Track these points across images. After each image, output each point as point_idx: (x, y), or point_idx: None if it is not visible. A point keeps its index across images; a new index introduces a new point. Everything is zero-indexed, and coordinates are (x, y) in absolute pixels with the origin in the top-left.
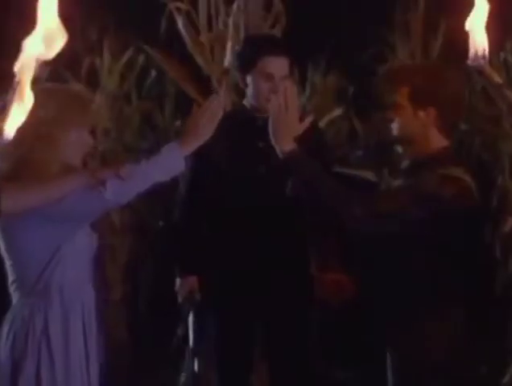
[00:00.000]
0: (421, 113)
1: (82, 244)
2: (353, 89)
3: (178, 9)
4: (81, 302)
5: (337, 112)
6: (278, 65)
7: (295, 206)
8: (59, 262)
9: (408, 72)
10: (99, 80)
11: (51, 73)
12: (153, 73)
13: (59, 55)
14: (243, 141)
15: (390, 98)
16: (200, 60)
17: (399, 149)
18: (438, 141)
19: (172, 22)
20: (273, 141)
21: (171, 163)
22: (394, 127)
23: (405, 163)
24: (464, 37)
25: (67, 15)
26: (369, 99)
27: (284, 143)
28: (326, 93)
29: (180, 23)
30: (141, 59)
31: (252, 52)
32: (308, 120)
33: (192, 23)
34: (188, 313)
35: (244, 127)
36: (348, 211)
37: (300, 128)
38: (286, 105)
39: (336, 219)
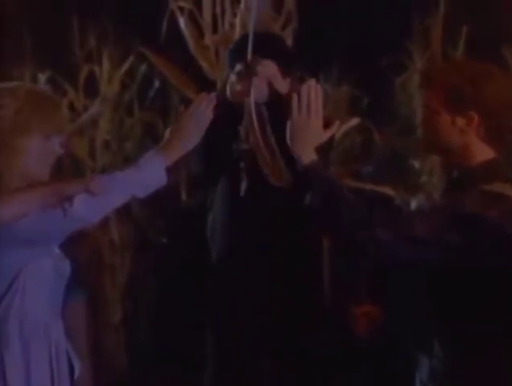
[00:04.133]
0: (460, 120)
1: (47, 270)
2: (369, 99)
3: (180, 8)
4: (47, 342)
5: (353, 122)
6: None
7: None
8: (17, 292)
9: (441, 72)
10: (98, 90)
11: (47, 81)
12: (156, 83)
13: (56, 63)
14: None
15: (422, 104)
16: (204, 64)
17: (416, 163)
18: (481, 152)
19: (174, 24)
20: (291, 149)
21: (150, 177)
22: (427, 137)
23: (424, 178)
24: (486, 43)
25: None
26: (386, 109)
27: (304, 153)
28: (339, 103)
29: (182, 24)
30: (143, 68)
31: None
32: (334, 127)
33: (195, 24)
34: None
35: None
36: (373, 236)
37: (324, 136)
38: (308, 109)
39: (358, 245)
